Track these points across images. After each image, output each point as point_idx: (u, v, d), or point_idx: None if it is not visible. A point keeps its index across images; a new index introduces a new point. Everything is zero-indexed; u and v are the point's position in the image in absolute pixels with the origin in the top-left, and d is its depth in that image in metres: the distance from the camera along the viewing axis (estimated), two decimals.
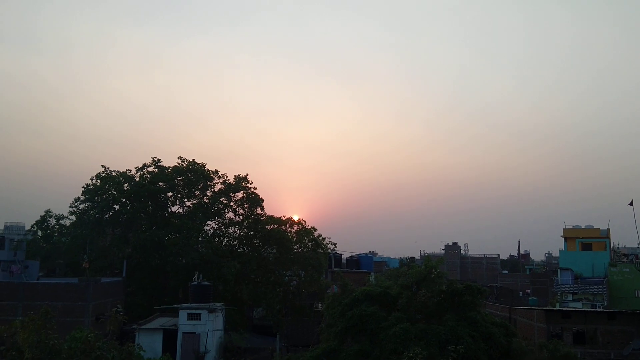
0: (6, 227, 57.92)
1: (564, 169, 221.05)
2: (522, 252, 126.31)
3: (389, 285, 33.17)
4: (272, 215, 54.84)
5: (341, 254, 67.97)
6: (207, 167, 55.19)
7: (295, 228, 54.61)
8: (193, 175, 54.21)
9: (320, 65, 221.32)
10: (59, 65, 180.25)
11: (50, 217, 53.25)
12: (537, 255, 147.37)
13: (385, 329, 28.71)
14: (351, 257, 69.34)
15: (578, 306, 48.95)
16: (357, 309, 30.00)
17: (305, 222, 55.78)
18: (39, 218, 53.21)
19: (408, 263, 48.55)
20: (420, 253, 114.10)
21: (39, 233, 54.13)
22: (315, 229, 55.50)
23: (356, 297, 31.14)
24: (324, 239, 56.23)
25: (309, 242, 53.90)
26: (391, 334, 27.97)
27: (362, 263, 67.96)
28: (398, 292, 31.77)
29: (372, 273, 63.54)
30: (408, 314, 30.25)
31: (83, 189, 51.83)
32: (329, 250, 59.06)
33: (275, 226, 53.48)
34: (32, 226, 54.30)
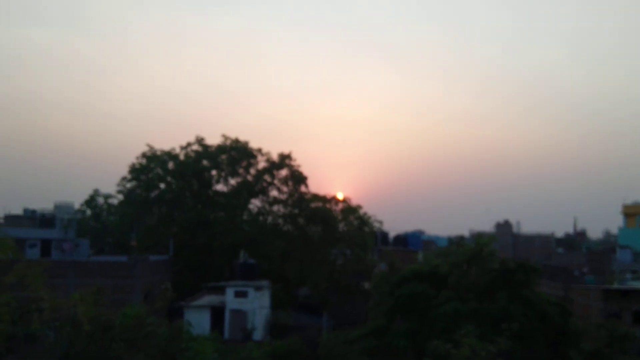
0: (56, 207, 59.29)
1: (623, 142, 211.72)
2: (578, 229, 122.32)
3: (438, 263, 32.32)
4: (316, 194, 54.54)
5: (388, 232, 67.39)
6: (251, 145, 55.16)
7: (340, 206, 54.22)
8: (236, 153, 54.20)
9: (361, 39, 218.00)
10: (104, 46, 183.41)
11: (99, 196, 54.42)
12: (595, 233, 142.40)
13: (435, 308, 28.03)
14: (398, 235, 68.72)
15: (638, 285, 46.99)
16: (405, 287, 29.38)
17: (350, 200, 55.33)
18: (87, 197, 54.45)
19: (457, 241, 47.56)
20: (470, 231, 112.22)
21: (88, 212, 55.33)
22: (361, 207, 55.00)
23: (405, 275, 30.51)
24: (369, 217, 55.72)
25: (355, 220, 53.46)
26: (441, 312, 27.28)
27: (410, 241, 67.20)
28: (448, 271, 30.94)
29: (420, 251, 62.76)
30: (458, 292, 29.44)
31: (129, 168, 52.60)
32: (375, 229, 58.51)
33: (320, 204, 53.20)
34: (81, 205, 55.54)
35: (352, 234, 51.83)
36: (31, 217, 48.84)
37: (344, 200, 54.83)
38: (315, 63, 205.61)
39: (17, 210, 55.30)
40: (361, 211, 54.60)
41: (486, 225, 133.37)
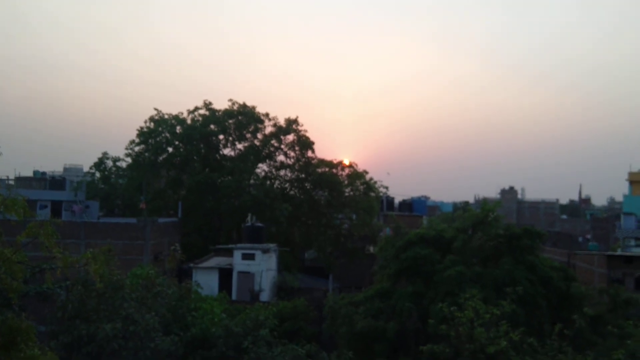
0: (65, 169, 59.91)
1: (629, 109, 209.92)
2: (583, 196, 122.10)
3: (443, 228, 32.60)
4: (323, 159, 54.67)
5: (393, 198, 67.72)
6: (258, 110, 55.04)
7: (347, 171, 54.40)
8: (244, 117, 54.21)
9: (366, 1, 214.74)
10: (112, 9, 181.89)
11: (107, 159, 54.77)
12: (599, 200, 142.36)
13: (440, 272, 28.40)
14: (404, 201, 68.98)
15: None
16: (410, 251, 29.71)
17: (356, 165, 55.48)
18: (96, 160, 54.85)
19: (462, 207, 47.79)
20: (475, 197, 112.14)
21: (97, 175, 55.85)
22: (367, 172, 55.19)
23: (410, 239, 30.80)
24: (375, 182, 55.94)
25: (361, 185, 53.71)
26: (446, 276, 27.66)
27: (415, 207, 67.46)
28: (453, 236, 31.22)
29: (425, 217, 63.11)
30: (463, 257, 29.76)
31: (137, 132, 52.81)
32: (381, 194, 58.80)
33: (327, 169, 53.38)
34: (90, 168, 56.04)
35: (358, 199, 52.16)
36: (41, 179, 49.46)
37: (351, 166, 54.99)
38: (324, 27, 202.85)
39: (28, 172, 55.97)
40: (367, 177, 54.84)
41: (491, 191, 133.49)
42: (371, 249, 51.61)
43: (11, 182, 48.70)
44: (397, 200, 68.92)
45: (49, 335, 22.93)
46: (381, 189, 57.48)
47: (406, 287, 29.42)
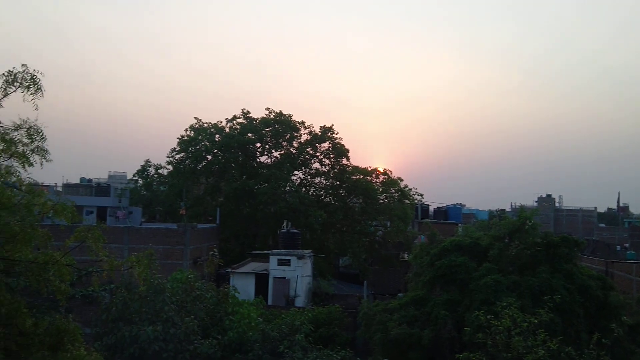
0: (110, 176, 62.05)
1: None
2: (621, 204, 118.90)
3: (479, 236, 32.39)
4: (357, 166, 55.03)
5: (428, 205, 67.41)
6: (294, 118, 55.95)
7: (381, 178, 54.56)
8: (280, 126, 55.10)
9: (399, 10, 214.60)
10: (155, 22, 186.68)
11: (150, 166, 56.50)
12: (638, 209, 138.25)
13: (476, 280, 28.24)
14: (439, 208, 68.57)
15: None
16: (446, 258, 29.65)
17: (391, 172, 55.60)
18: (139, 168, 56.64)
19: (498, 215, 47.25)
20: (511, 205, 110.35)
21: (140, 182, 57.63)
22: (401, 180, 55.22)
23: (445, 247, 30.74)
24: (410, 189, 55.90)
25: (395, 192, 53.76)
26: (482, 284, 27.49)
27: (450, 214, 66.92)
28: (489, 243, 31.01)
29: (460, 224, 62.62)
30: (499, 265, 29.54)
31: (178, 140, 54.33)
32: (416, 201, 58.69)
33: (361, 176, 53.68)
34: (133, 175, 57.88)
35: (392, 206, 52.20)
36: (87, 186, 51.27)
37: (385, 173, 55.11)
38: (355, 36, 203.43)
39: (75, 179, 58.11)
40: (402, 184, 54.85)
41: (528, 199, 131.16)
42: (405, 256, 51.53)
43: (59, 189, 50.64)
44: (431, 208, 68.56)
45: (93, 337, 23.75)
46: (416, 197, 57.39)
47: (441, 294, 29.35)
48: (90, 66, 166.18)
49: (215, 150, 53.91)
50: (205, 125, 55.13)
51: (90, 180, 59.37)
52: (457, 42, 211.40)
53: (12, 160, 10.61)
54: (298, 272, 37.52)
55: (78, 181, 58.71)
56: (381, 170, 55.42)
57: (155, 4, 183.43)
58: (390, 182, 53.94)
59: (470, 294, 27.92)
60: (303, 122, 55.97)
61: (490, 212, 66.13)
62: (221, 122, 55.66)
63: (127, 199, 49.87)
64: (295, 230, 41.63)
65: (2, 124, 10.15)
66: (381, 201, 53.18)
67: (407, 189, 55.30)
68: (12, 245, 10.39)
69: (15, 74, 9.60)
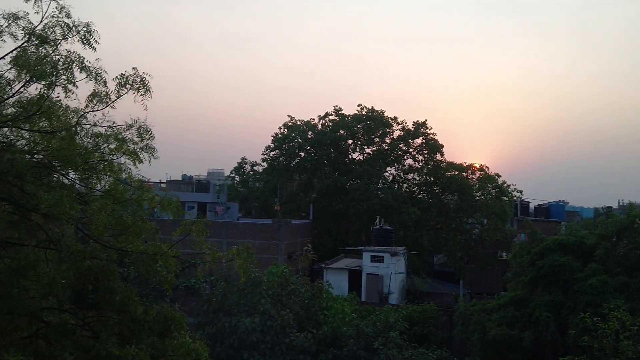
0: (209, 174, 64.91)
1: None
2: None
3: (584, 235, 30.63)
4: (452, 162, 53.76)
5: (528, 202, 64.57)
6: (386, 114, 55.65)
7: (477, 175, 52.96)
8: (372, 122, 55.00)
9: (498, 1, 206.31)
10: (248, 22, 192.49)
11: (246, 164, 58.46)
12: None
13: (581, 281, 26.78)
14: (540, 205, 65.52)
15: None
16: (548, 258, 28.32)
17: (488, 168, 53.83)
18: (236, 165, 58.73)
19: (605, 213, 44.35)
20: (619, 202, 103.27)
21: (237, 178, 59.76)
22: (499, 176, 53.31)
23: (547, 246, 29.36)
24: (508, 186, 53.86)
25: (492, 189, 51.98)
26: (587, 285, 26.02)
27: (552, 212, 63.67)
28: (595, 243, 29.25)
29: (563, 223, 59.53)
30: (606, 266, 27.80)
31: (273, 138, 55.74)
32: (515, 198, 56.45)
33: (456, 173, 52.41)
34: (230, 172, 60.15)
35: (489, 203, 50.50)
36: (189, 183, 54.02)
37: (481, 169, 53.42)
38: (449, 26, 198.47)
39: (177, 176, 61.27)
40: (499, 180, 52.93)
41: (638, 196, 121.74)
42: (504, 255, 49.69)
43: (163, 185, 53.62)
44: (532, 205, 65.57)
45: (195, 326, 24.89)
46: (515, 193, 55.14)
47: (543, 295, 28.11)
48: (190, 69, 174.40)
49: (308, 147, 54.74)
50: (299, 122, 56.13)
51: (191, 177, 62.36)
52: (571, 28, 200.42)
53: (124, 157, 11.31)
54: (391, 269, 37.28)
55: (180, 178, 61.81)
56: (477, 166, 53.82)
57: (248, 4, 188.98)
58: (488, 179, 52.22)
59: (575, 295, 26.54)
60: (395, 118, 55.57)
61: (596, 210, 62.16)
62: (314, 119, 56.53)
63: (225, 195, 51.89)
64: (388, 227, 41.40)
65: (115, 124, 10.81)
66: (477, 198, 51.59)
67: (505, 185, 53.31)
68: (125, 237, 11.02)
69: (126, 77, 10.19)
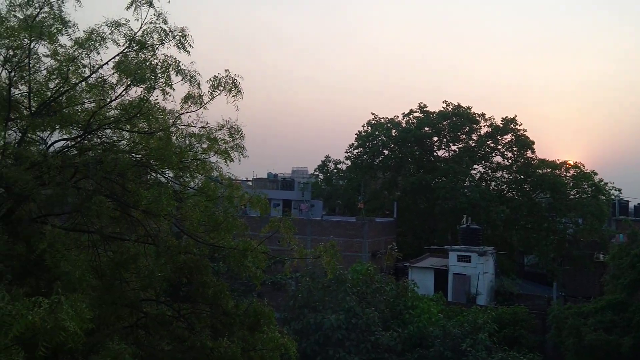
0: (293, 172, 66.11)
1: None
2: None
3: None
4: (544, 159, 51.47)
5: (627, 201, 60.64)
6: (473, 110, 54.20)
7: (572, 172, 50.36)
8: (458, 119, 53.78)
9: None
10: (332, 22, 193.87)
11: (329, 162, 58.98)
12: None
13: None
14: None
15: None
16: None
17: (583, 165, 51.04)
18: (320, 163, 59.40)
19: None
20: None
21: (320, 176, 60.43)
22: (596, 173, 50.42)
23: None
24: (605, 184, 50.82)
25: (588, 187, 49.25)
26: None
27: None
28: None
29: None
30: None
31: (356, 136, 55.84)
32: (613, 197, 53.20)
33: (548, 170, 50.14)
34: (314, 170, 60.93)
35: (584, 202, 47.89)
36: (274, 180, 55.26)
37: (576, 166, 50.71)
38: (541, 20, 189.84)
39: (262, 174, 62.85)
40: (596, 178, 50.02)
41: None
42: (601, 257, 46.94)
43: (249, 183, 55.17)
44: (631, 204, 61.48)
45: (282, 322, 25.37)
46: (612, 192, 51.97)
47: None
48: (274, 68, 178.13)
49: (392, 145, 54.35)
50: (382, 120, 55.92)
51: (276, 175, 63.76)
52: None
53: (216, 156, 11.73)
54: (479, 269, 36.26)
55: (265, 176, 63.32)
56: (572, 163, 51.14)
57: (331, 2, 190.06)
58: (583, 176, 49.53)
59: None
60: (483, 114, 54.01)
61: None
62: (397, 116, 56.15)
63: (309, 192, 52.62)
64: (475, 226, 40.30)
65: (208, 124, 11.22)
66: (572, 197, 49.10)
67: (602, 183, 50.37)
68: (217, 233, 11.41)
69: (219, 79, 10.56)
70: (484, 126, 53.96)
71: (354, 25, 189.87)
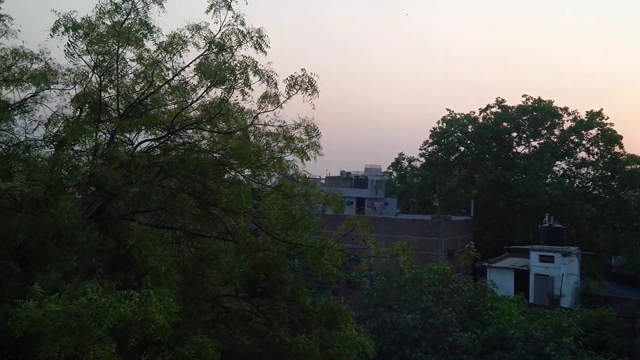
0: (366, 169, 65.92)
1: None
2: None
3: None
4: (633, 154, 48.59)
5: None
6: (555, 104, 51.96)
7: None
8: (539, 113, 51.72)
9: None
10: (404, 18, 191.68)
11: (403, 159, 58.44)
12: None
13: None
14: None
15: None
16: None
17: None
18: (393, 161, 58.95)
19: None
20: None
21: (394, 174, 59.94)
22: None
23: None
24: None
25: None
26: None
27: None
28: None
29: None
30: None
31: (430, 132, 54.95)
32: None
33: (638, 166, 47.31)
34: (388, 168, 60.51)
35: None
36: (347, 179, 55.34)
37: None
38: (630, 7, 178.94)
39: (335, 172, 63.11)
40: None
41: None
42: None
43: (322, 181, 55.55)
44: None
45: (357, 320, 25.39)
46: None
47: None
48: (346, 65, 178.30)
49: (468, 141, 53.03)
50: (458, 116, 54.67)
51: (349, 173, 63.79)
52: None
53: (292, 155, 11.86)
54: (563, 270, 34.70)
55: (338, 174, 63.51)
56: None
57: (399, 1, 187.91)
58: None
59: None
60: (566, 108, 51.63)
61: None
62: (474, 112, 54.63)
63: (383, 190, 52.30)
64: (558, 225, 38.58)
65: (285, 123, 11.37)
66: None
67: None
68: (293, 231, 11.54)
69: (295, 78, 10.67)
70: (567, 120, 51.64)
71: (429, 20, 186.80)
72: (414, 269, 24.92)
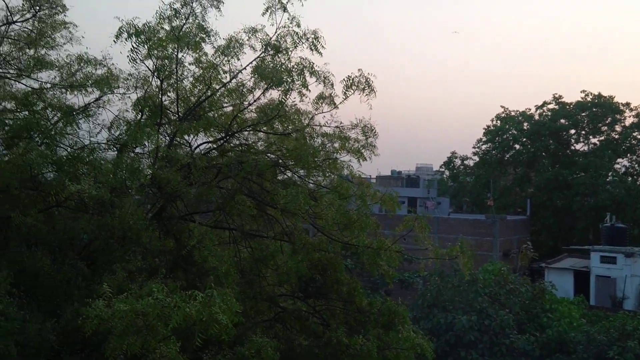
0: (418, 168, 65.12)
1: None
2: None
3: None
4: None
5: None
6: (616, 99, 50.03)
7: None
8: (599, 109, 49.94)
9: None
10: (453, 12, 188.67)
11: (456, 158, 57.49)
12: None
13: None
14: None
15: None
16: None
17: None
18: (445, 159, 58.03)
19: None
20: None
21: (446, 173, 59.07)
22: None
23: None
24: None
25: None
26: None
27: None
28: None
29: None
30: None
31: (484, 130, 53.88)
32: None
33: None
34: (440, 167, 59.68)
35: None
36: (398, 178, 54.86)
37: None
38: None
39: (386, 171, 62.67)
40: None
41: None
42: None
43: (373, 181, 55.26)
44: None
45: (411, 320, 25.07)
46: None
47: None
48: (397, 63, 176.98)
49: (524, 139, 51.74)
50: (512, 113, 53.42)
51: (400, 172, 63.23)
52: None
53: (348, 155, 11.81)
54: (626, 272, 33.38)
55: (389, 173, 63.02)
56: None
57: None
58: None
59: None
60: (628, 104, 49.75)
61: None
62: (529, 109, 53.30)
63: (435, 189, 51.61)
64: (621, 225, 37.14)
65: (342, 124, 11.34)
66: None
67: None
68: (350, 231, 11.48)
69: (352, 79, 10.62)
70: (630, 116, 49.70)
71: (481, 14, 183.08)
72: (470, 270, 24.44)
